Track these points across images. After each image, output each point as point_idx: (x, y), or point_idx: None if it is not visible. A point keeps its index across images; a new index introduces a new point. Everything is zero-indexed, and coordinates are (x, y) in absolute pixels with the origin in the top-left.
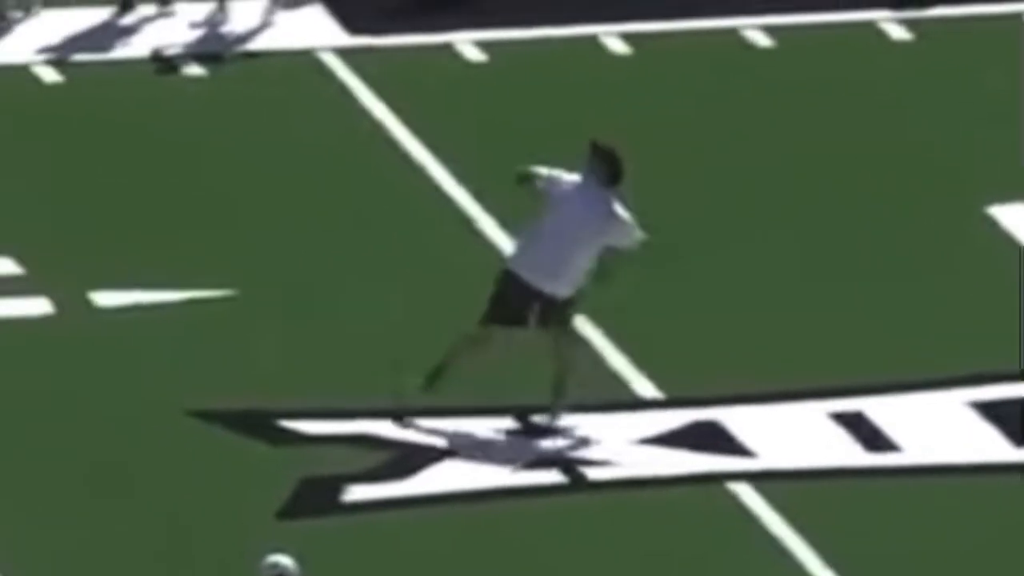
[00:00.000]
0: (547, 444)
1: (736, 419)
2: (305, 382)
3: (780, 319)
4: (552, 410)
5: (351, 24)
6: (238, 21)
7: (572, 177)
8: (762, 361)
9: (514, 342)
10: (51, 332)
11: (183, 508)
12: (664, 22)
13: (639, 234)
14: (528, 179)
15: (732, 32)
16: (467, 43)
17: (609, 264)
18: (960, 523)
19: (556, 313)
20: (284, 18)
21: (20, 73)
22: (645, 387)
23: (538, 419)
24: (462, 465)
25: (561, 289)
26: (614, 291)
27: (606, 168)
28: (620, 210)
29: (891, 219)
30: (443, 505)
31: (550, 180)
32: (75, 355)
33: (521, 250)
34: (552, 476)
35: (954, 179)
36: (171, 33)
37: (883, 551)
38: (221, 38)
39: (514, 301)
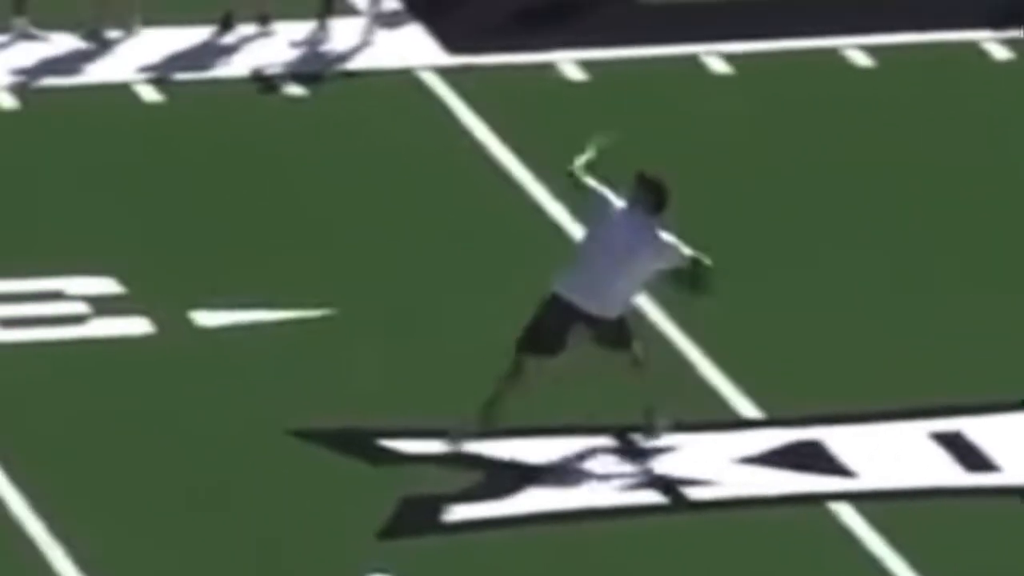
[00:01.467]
0: (647, 464)
1: (836, 439)
2: (405, 401)
3: (880, 338)
4: (649, 430)
5: (450, 43)
6: (338, 40)
7: (619, 202)
8: (862, 380)
9: (545, 371)
10: (151, 351)
11: (282, 527)
12: (765, 42)
13: (688, 251)
14: (581, 186)
15: (832, 52)
16: (567, 61)
17: (693, 274)
18: None
19: (610, 335)
20: (384, 37)
21: (120, 92)
22: (746, 407)
23: (638, 438)
24: (563, 485)
25: (608, 311)
26: (710, 301)
27: (653, 197)
28: (666, 235)
29: (990, 237)
30: (543, 525)
31: (600, 200)
32: (175, 374)
33: (567, 273)
34: (652, 496)
35: None
36: (271, 52)
37: (983, 571)
38: (321, 57)
39: (553, 325)
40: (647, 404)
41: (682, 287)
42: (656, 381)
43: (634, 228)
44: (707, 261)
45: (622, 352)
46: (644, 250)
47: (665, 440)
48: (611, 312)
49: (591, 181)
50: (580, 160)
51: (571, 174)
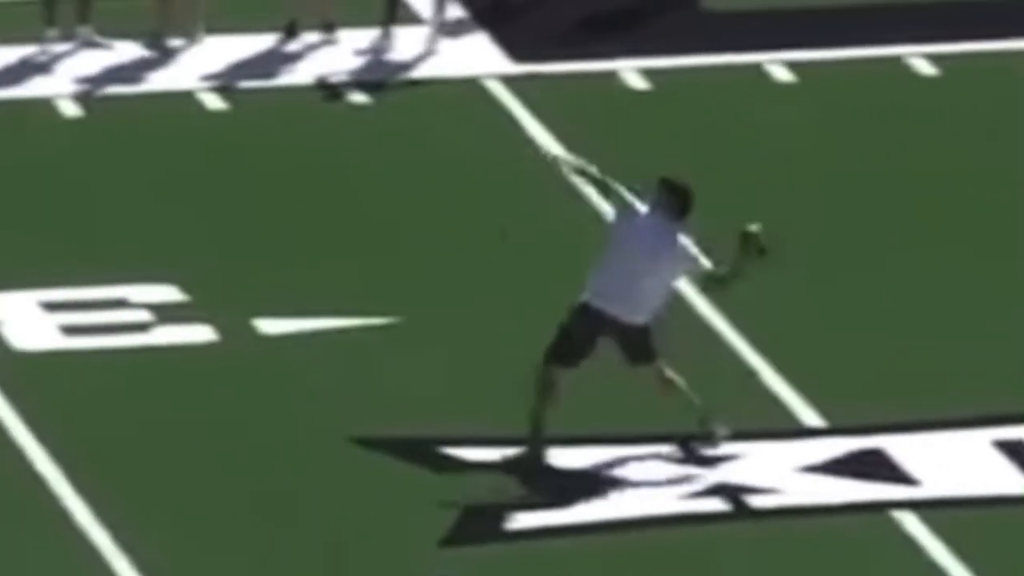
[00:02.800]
0: (710, 472)
1: (899, 447)
2: (468, 408)
3: (943, 346)
4: (707, 439)
5: (515, 51)
6: (402, 48)
7: (642, 207)
8: (925, 388)
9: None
10: (215, 359)
11: (346, 535)
12: (828, 50)
13: (706, 263)
14: (606, 190)
15: (896, 60)
16: (630, 70)
17: (719, 274)
18: None
19: (637, 344)
20: (448, 45)
21: (183, 100)
22: (808, 415)
23: (699, 447)
24: (625, 493)
25: (637, 317)
26: (774, 310)
27: (677, 202)
28: (687, 243)
29: None
30: (606, 533)
31: (623, 205)
32: (238, 382)
33: (593, 280)
34: (715, 504)
35: None
36: (335, 60)
37: None
38: (385, 65)
39: (582, 334)
40: (699, 415)
41: (709, 285)
42: (694, 393)
43: (656, 232)
44: (721, 271)
45: (646, 367)
46: (665, 254)
47: (726, 448)
48: (638, 316)
49: (617, 184)
50: (571, 159)
51: (554, 160)
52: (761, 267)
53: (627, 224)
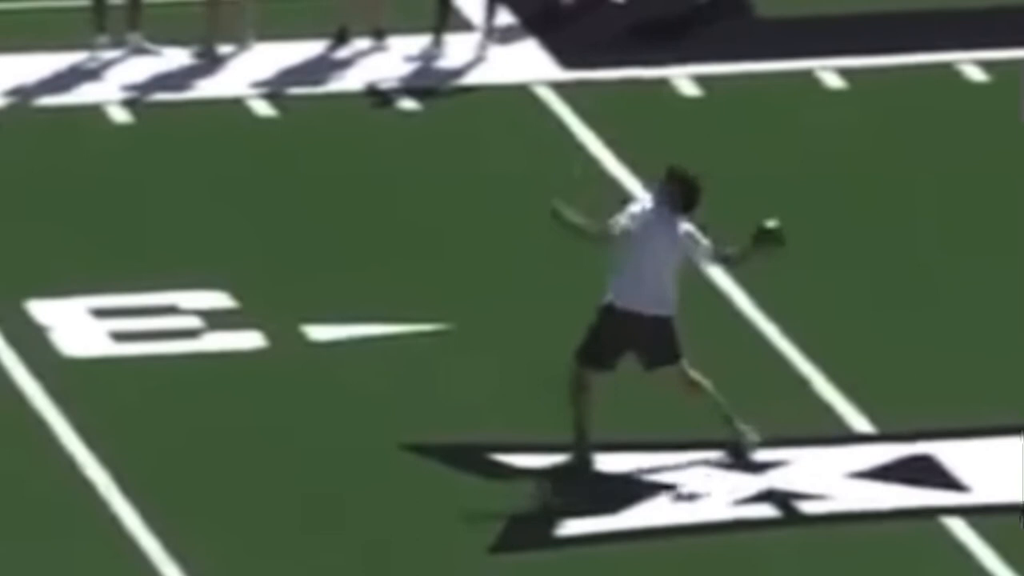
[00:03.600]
0: (759, 478)
1: (950, 453)
2: (517, 415)
3: (992, 352)
4: (737, 447)
5: (565, 58)
6: (453, 55)
7: (647, 203)
8: (975, 395)
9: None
10: (264, 365)
11: (394, 541)
12: (879, 56)
13: (708, 244)
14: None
15: (946, 66)
16: (682, 77)
17: (725, 253)
18: None
19: (664, 340)
20: (498, 52)
21: (233, 107)
22: (858, 421)
23: (735, 455)
24: (674, 499)
25: (662, 309)
26: (824, 317)
27: (683, 193)
28: (690, 229)
29: None
30: (656, 539)
31: (632, 218)
32: (288, 388)
33: (617, 283)
34: (765, 510)
35: None
36: (385, 66)
37: None
38: (435, 72)
39: (611, 333)
40: (725, 417)
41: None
42: (720, 395)
43: (669, 226)
44: (730, 251)
45: (670, 367)
46: (680, 246)
47: (777, 454)
48: (663, 309)
49: (618, 220)
50: (570, 216)
51: (556, 214)
52: (776, 254)
53: (639, 224)
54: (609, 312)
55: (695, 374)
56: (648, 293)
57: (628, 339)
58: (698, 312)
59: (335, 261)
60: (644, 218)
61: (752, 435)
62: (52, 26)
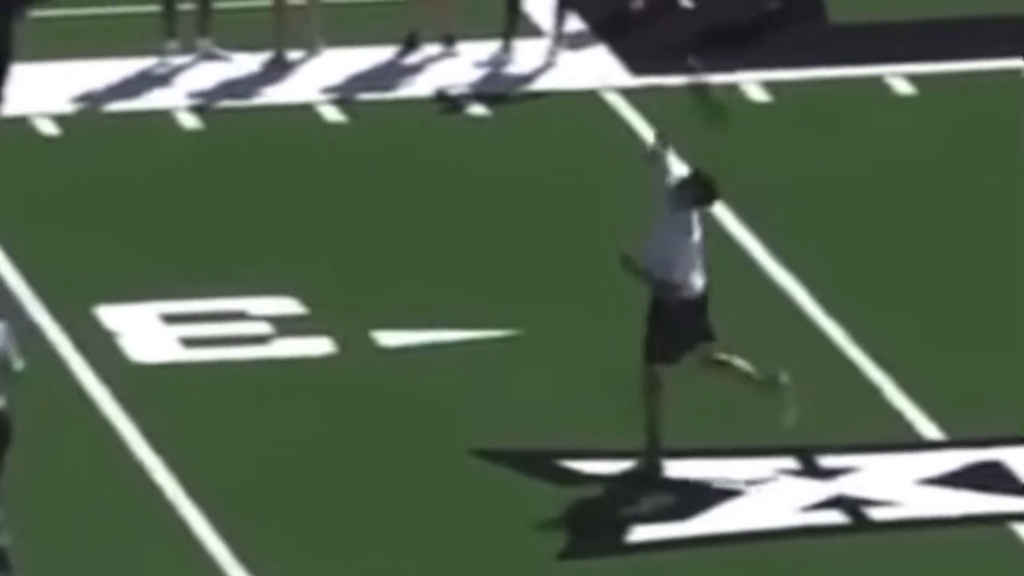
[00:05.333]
0: (829, 484)
1: (1019, 459)
2: (586, 421)
3: None
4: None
5: (635, 63)
6: (522, 61)
7: (670, 195)
8: None
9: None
10: (333, 372)
11: (464, 547)
12: (948, 63)
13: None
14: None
15: (1015, 73)
16: (752, 83)
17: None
18: None
19: (707, 314)
20: (568, 58)
21: (303, 112)
22: (929, 428)
23: (824, 459)
24: (744, 505)
25: (704, 281)
26: (895, 324)
27: (703, 193)
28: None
29: None
30: (725, 545)
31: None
32: (357, 394)
33: (688, 270)
34: (834, 516)
35: None
36: (455, 72)
37: None
38: (504, 77)
39: (693, 323)
40: (761, 384)
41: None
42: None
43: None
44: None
45: (711, 343)
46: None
47: (846, 460)
48: (704, 280)
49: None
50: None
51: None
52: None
53: (677, 215)
54: (692, 303)
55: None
56: (702, 272)
57: (701, 324)
58: (764, 316)
59: (404, 267)
60: (678, 208)
61: (792, 413)
62: (122, 32)
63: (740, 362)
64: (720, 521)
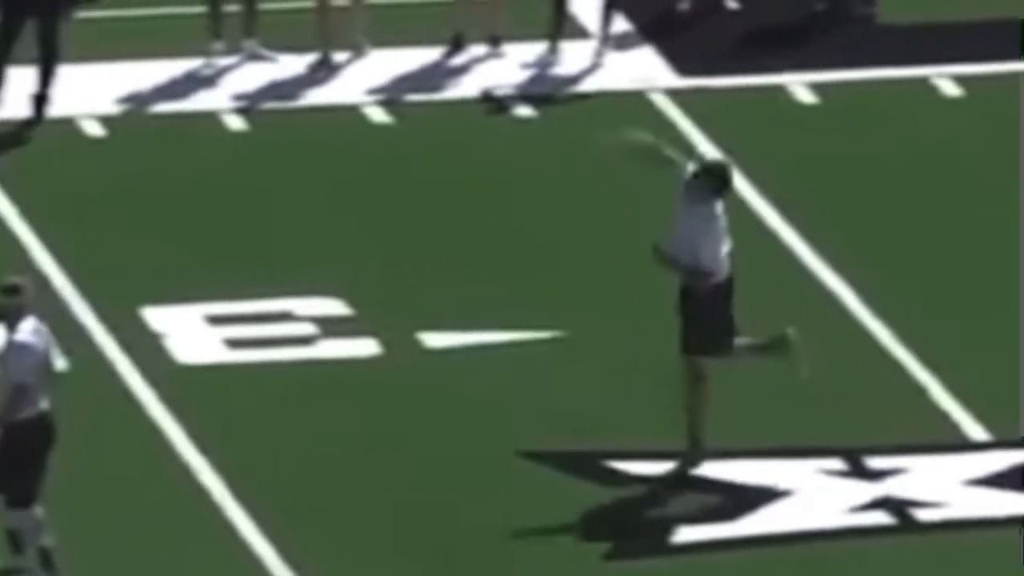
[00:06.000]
0: (876, 485)
1: None
2: (633, 422)
3: None
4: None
5: (681, 64)
6: (568, 62)
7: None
8: None
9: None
10: (379, 373)
11: (510, 548)
12: (995, 64)
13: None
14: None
15: None
16: (798, 84)
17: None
18: None
19: None
20: (614, 59)
21: (349, 114)
22: (974, 428)
23: (871, 460)
24: (790, 506)
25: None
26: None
27: (719, 181)
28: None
29: None
30: (772, 546)
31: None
32: (403, 396)
33: (716, 257)
34: (881, 517)
35: None
36: (501, 73)
37: None
38: (551, 79)
39: (724, 306)
40: (773, 346)
41: None
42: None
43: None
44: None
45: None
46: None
47: (893, 461)
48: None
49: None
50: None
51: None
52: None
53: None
54: (720, 288)
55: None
56: (723, 257)
57: (731, 309)
58: (810, 316)
59: (450, 268)
60: (698, 191)
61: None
62: (167, 33)
63: (742, 341)
64: (766, 522)
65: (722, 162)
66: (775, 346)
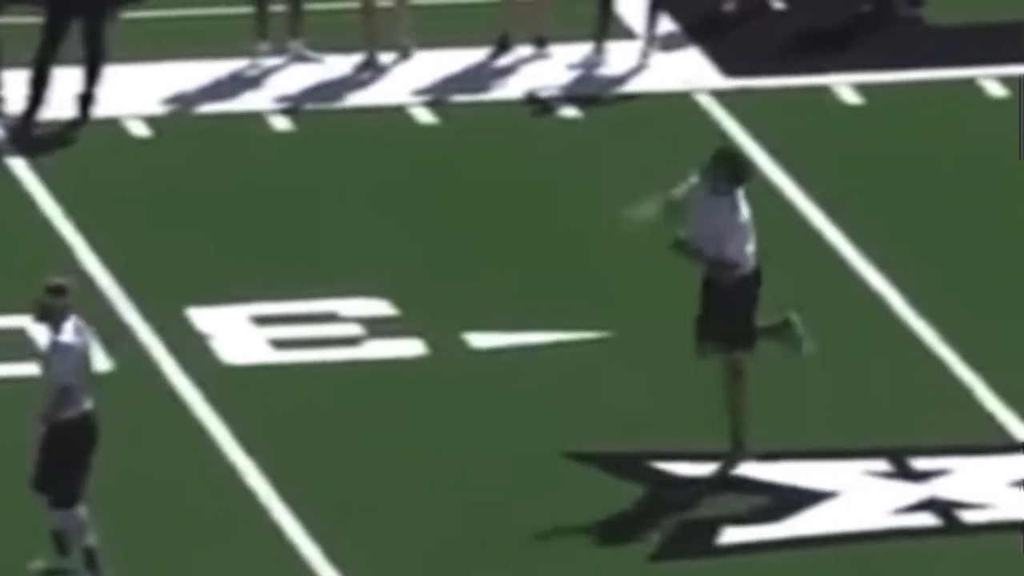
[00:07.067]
0: (921, 487)
1: None
2: (679, 423)
3: None
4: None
5: (727, 65)
6: (614, 63)
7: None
8: None
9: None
10: (425, 373)
11: (557, 549)
12: None
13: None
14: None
15: None
16: (844, 85)
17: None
18: None
19: None
20: (660, 59)
21: (394, 114)
22: (1020, 429)
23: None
24: (836, 507)
25: None
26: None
27: (734, 170)
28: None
29: None
30: (817, 547)
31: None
32: (449, 396)
33: (741, 248)
34: (926, 519)
35: None
36: (546, 74)
37: None
38: (596, 79)
39: (750, 297)
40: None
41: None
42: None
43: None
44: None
45: None
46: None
47: (938, 463)
48: None
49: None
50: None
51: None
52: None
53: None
54: (746, 281)
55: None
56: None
57: (757, 300)
58: (855, 317)
59: (496, 269)
60: (725, 192)
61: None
62: (213, 33)
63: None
64: (812, 523)
65: (733, 149)
66: (781, 330)
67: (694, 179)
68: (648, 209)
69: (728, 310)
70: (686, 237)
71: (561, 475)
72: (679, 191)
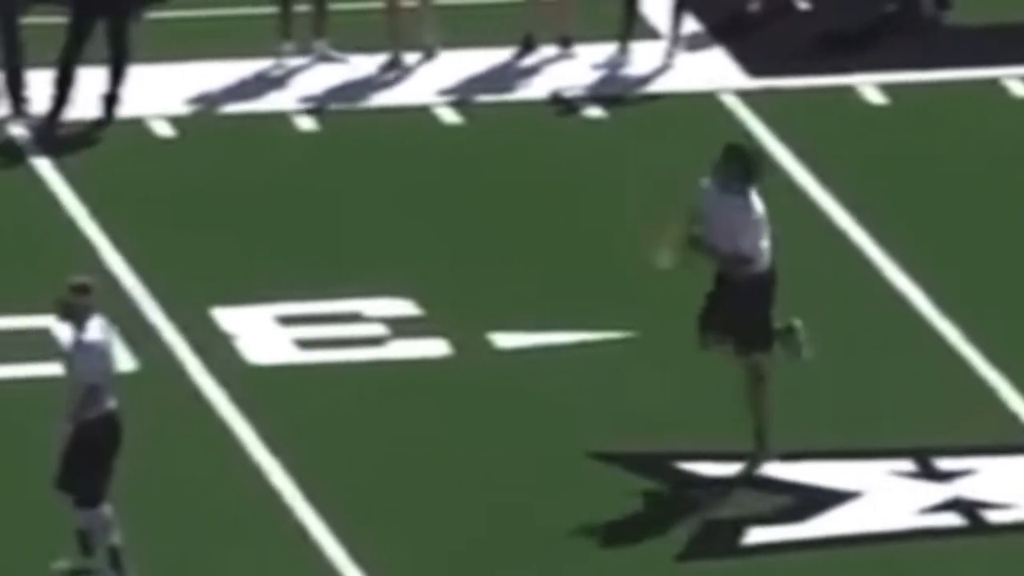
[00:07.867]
0: (946, 487)
1: None
2: (704, 423)
3: None
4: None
5: (752, 65)
6: (639, 63)
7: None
8: None
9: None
10: (449, 373)
11: (581, 549)
12: None
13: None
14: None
15: None
16: (868, 85)
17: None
18: None
19: None
20: (685, 60)
21: (419, 114)
22: None
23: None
24: (860, 508)
25: None
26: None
27: (745, 167)
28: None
29: None
30: (842, 548)
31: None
32: (473, 396)
33: (756, 244)
34: (951, 519)
35: None
36: (571, 74)
37: None
38: (621, 80)
39: (760, 298)
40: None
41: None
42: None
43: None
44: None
45: None
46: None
47: (963, 463)
48: None
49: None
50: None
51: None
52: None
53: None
54: (763, 280)
55: None
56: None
57: (770, 302)
58: (879, 316)
59: (520, 269)
60: (738, 190)
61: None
62: (238, 33)
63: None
64: (837, 523)
65: (742, 145)
66: (785, 335)
67: (704, 182)
68: (670, 252)
69: (739, 308)
70: (700, 233)
71: (585, 475)
72: (695, 208)
